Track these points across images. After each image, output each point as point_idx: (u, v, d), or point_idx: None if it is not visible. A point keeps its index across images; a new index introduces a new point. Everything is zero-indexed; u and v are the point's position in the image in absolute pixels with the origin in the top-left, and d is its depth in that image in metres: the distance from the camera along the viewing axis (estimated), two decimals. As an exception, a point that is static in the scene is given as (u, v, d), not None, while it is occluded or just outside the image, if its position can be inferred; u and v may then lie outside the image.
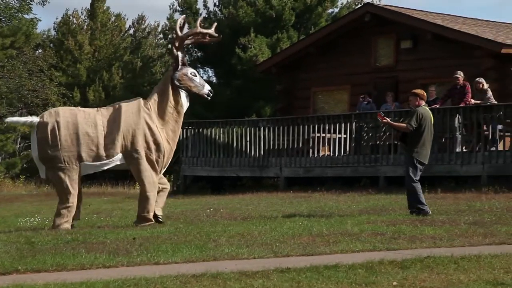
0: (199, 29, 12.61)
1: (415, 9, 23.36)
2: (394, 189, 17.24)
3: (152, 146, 11.94)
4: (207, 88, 12.43)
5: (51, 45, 43.89)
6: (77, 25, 43.37)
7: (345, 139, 19.54)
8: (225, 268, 7.29)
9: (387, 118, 12.86)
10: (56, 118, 11.93)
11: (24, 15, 35.17)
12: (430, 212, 12.08)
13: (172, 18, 36.36)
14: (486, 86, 18.01)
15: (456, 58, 20.61)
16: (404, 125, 12.43)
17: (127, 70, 42.37)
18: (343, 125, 19.53)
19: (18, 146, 40.54)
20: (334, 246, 8.93)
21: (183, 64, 12.36)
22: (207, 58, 35.98)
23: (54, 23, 45.06)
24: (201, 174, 22.03)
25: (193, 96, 12.49)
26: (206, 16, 36.04)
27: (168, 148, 12.17)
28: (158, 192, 12.13)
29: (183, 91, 12.26)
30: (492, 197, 14.67)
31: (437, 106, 18.45)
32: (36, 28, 36.15)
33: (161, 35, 43.36)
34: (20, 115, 40.63)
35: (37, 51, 39.24)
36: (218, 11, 35.49)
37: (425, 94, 12.82)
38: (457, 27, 21.47)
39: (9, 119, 12.79)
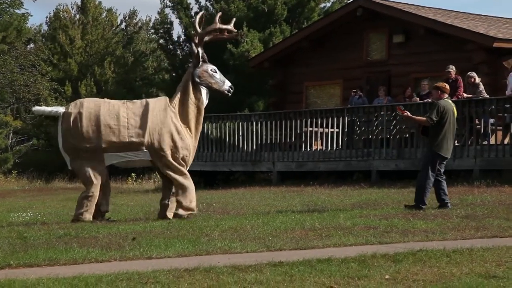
0: (218, 25, 12.47)
1: (407, 3, 23.38)
2: (386, 183, 17.29)
3: (179, 145, 11.87)
4: (227, 84, 12.36)
5: (43, 40, 43.80)
6: (68, 20, 43.26)
7: (338, 133, 19.55)
8: (218, 262, 7.28)
9: (407, 112, 12.63)
10: (79, 109, 11.91)
11: (15, 10, 35.09)
12: (450, 205, 12.06)
13: (163, 13, 36.31)
14: (478, 80, 18.04)
15: (448, 52, 20.64)
16: (425, 118, 12.25)
17: (119, 65, 42.30)
18: (335, 119, 19.54)
19: (10, 141, 40.46)
20: (326, 240, 8.94)
21: (204, 61, 12.26)
22: (199, 52, 35.90)
23: (46, 17, 45.01)
24: (194, 168, 21.84)
25: (214, 93, 12.40)
26: (198, 10, 35.98)
27: (192, 146, 12.14)
28: (169, 194, 12.07)
29: (204, 87, 12.19)
30: (484, 190, 14.71)
31: (429, 100, 18.47)
32: (27, 23, 36.11)
33: (152, 30, 43.25)
34: (12, 110, 40.59)
35: (28, 46, 39.12)
36: (209, 6, 35.44)
37: (447, 87, 12.59)
38: (449, 21, 21.50)
39: (36, 108, 12.66)
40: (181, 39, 36.45)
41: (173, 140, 11.88)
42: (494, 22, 23.24)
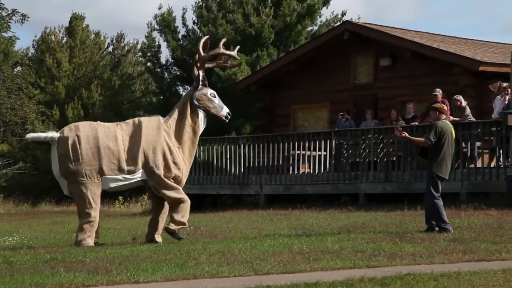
0: (222, 50, 12.47)
1: (393, 27, 23.52)
2: (374, 206, 17.30)
3: (171, 165, 11.84)
4: (225, 110, 12.31)
5: (30, 63, 43.75)
6: (55, 43, 43.25)
7: (325, 156, 19.59)
8: (206, 286, 7.26)
9: (405, 133, 12.62)
10: (76, 132, 11.85)
11: (2, 33, 35.05)
12: (452, 231, 11.84)
13: (151, 36, 36.36)
14: (464, 103, 18.13)
15: (434, 75, 20.75)
16: (423, 139, 12.24)
17: (106, 88, 42.27)
18: (323, 142, 19.58)
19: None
20: (314, 263, 8.93)
21: (204, 85, 12.23)
22: (186, 76, 35.97)
23: (34, 40, 44.95)
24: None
25: (211, 118, 12.38)
26: (185, 34, 36.08)
27: (185, 168, 12.10)
28: (158, 216, 12.02)
29: (202, 111, 12.18)
30: (471, 214, 14.74)
31: (416, 123, 18.55)
32: (14, 46, 36.06)
33: (140, 53, 43.29)
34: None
35: (15, 69, 39.06)
36: (197, 29, 35.54)
37: (445, 107, 12.63)
38: (435, 45, 21.64)
39: (30, 135, 12.50)
40: (168, 63, 36.52)
41: (165, 159, 11.83)
42: (480, 46, 23.41)
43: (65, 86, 42.03)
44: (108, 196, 34.26)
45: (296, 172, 20.06)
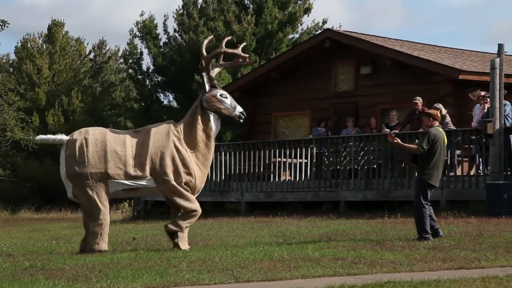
0: (224, 49, 12.27)
1: (374, 35, 23.62)
2: (354, 214, 17.34)
3: (181, 169, 11.66)
4: (238, 109, 11.99)
5: (11, 69, 43.55)
6: (35, 50, 43.08)
7: (306, 164, 19.62)
8: (186, 294, 7.25)
9: (397, 139, 12.49)
10: (85, 135, 11.78)
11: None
12: (432, 240, 11.74)
13: (133, 43, 36.31)
14: (444, 111, 18.22)
15: (415, 83, 20.86)
16: (415, 146, 12.18)
17: (87, 94, 42.16)
18: (304, 150, 19.62)
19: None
20: (295, 271, 8.94)
21: (212, 86, 11.99)
22: (168, 82, 35.96)
23: (15, 47, 44.75)
24: (162, 199, 21.81)
25: (225, 119, 12.16)
26: (167, 41, 36.05)
27: (200, 173, 11.89)
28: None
29: (213, 113, 11.99)
30: (451, 221, 14.81)
31: (396, 131, 18.63)
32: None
33: (121, 60, 43.22)
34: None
35: (-5, 75, 38.85)
36: (178, 36, 35.54)
37: (439, 114, 12.45)
38: (415, 53, 21.76)
39: (40, 137, 12.37)
40: (150, 69, 36.48)
41: (174, 164, 11.67)
42: (459, 55, 23.56)
43: (45, 92, 41.87)
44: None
45: (277, 180, 20.08)
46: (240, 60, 12.51)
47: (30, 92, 41.73)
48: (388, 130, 18.96)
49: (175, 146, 11.75)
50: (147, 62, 55.63)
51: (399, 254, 10.32)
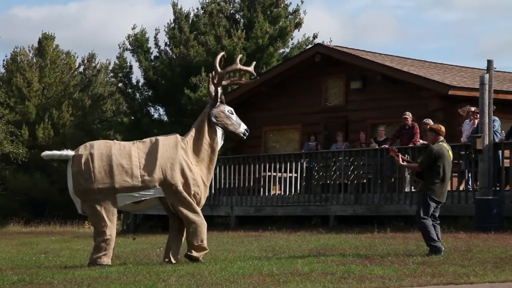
0: (239, 66, 12.37)
1: (364, 51, 23.71)
2: (344, 228, 17.34)
3: (190, 181, 11.66)
4: (243, 127, 12.16)
5: (0, 83, 43.46)
6: (25, 63, 43.03)
7: (296, 178, 19.64)
8: (175, 309, 7.22)
9: (399, 154, 12.43)
10: (90, 150, 11.70)
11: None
12: (443, 249, 11.74)
13: (122, 57, 36.31)
14: (434, 127, 18.25)
15: (404, 99, 20.93)
16: (416, 165, 12.18)
17: (77, 107, 42.09)
18: (294, 164, 19.64)
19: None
20: (284, 286, 8.92)
21: (221, 102, 12.13)
22: (158, 97, 35.95)
23: (4, 60, 44.70)
24: (151, 212, 21.86)
25: (229, 135, 12.26)
26: (158, 54, 36.07)
27: (203, 186, 11.92)
28: (177, 235, 11.89)
29: (220, 128, 12.04)
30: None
31: (386, 146, 18.68)
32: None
33: (111, 74, 43.19)
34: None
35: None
36: (169, 50, 35.56)
37: (442, 128, 12.30)
38: (405, 68, 21.85)
39: (45, 153, 12.19)
40: (140, 83, 36.47)
41: (183, 176, 11.65)
42: (449, 70, 23.68)
43: (35, 106, 41.79)
44: (78, 217, 34.04)
45: (267, 194, 20.09)
46: (245, 79, 12.71)
47: (20, 106, 41.62)
48: (376, 145, 19.04)
49: (183, 158, 11.75)
50: (136, 75, 55.56)
51: (388, 269, 10.32)
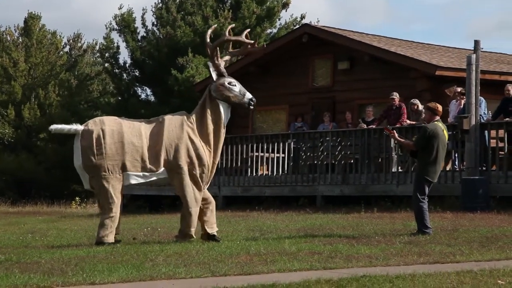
0: (227, 37, 12.21)
1: (352, 31, 23.68)
2: (331, 208, 17.40)
3: (195, 161, 11.58)
4: (247, 96, 11.93)
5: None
6: (11, 42, 42.74)
7: (283, 158, 19.66)
8: (162, 287, 7.24)
9: (394, 132, 12.42)
10: (101, 126, 11.57)
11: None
12: (431, 234, 11.74)
13: (109, 37, 36.14)
14: (421, 107, 18.32)
15: (392, 79, 20.93)
16: (411, 143, 12.16)
17: (63, 88, 41.90)
18: (281, 144, 19.65)
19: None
20: (271, 265, 8.95)
21: (220, 74, 11.89)
22: (145, 77, 35.85)
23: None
24: (138, 193, 21.86)
25: (236, 107, 12.08)
26: (145, 35, 35.93)
27: (211, 163, 11.81)
28: (204, 209, 11.78)
29: (222, 102, 11.88)
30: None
31: (373, 126, 18.71)
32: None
33: (98, 54, 42.98)
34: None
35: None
36: (156, 30, 35.42)
37: (439, 108, 12.09)
38: (393, 49, 21.84)
39: (54, 126, 12.00)
40: (127, 64, 36.33)
41: (189, 156, 11.58)
42: (436, 51, 23.68)
43: (22, 86, 41.57)
44: (65, 196, 33.98)
45: (254, 174, 20.10)
46: (249, 46, 12.35)
47: (6, 85, 41.41)
48: (364, 126, 19.07)
49: (189, 138, 11.65)
50: (123, 56, 55.36)
51: (375, 248, 10.38)
